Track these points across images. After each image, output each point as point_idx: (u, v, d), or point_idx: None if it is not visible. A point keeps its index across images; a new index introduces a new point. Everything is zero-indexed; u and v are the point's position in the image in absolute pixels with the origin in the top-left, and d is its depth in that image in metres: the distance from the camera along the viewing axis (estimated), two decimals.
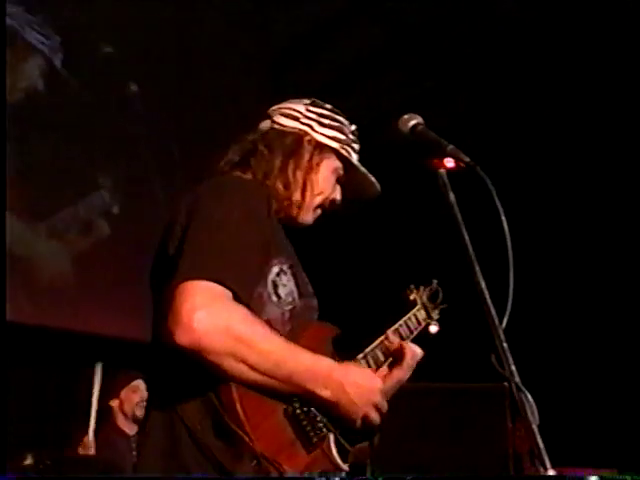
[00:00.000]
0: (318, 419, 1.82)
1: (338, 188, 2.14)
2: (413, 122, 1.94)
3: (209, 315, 1.65)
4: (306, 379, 1.75)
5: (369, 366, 2.04)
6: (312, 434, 1.81)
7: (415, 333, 2.26)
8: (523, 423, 1.54)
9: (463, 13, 5.60)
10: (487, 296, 1.73)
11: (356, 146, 2.16)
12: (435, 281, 2.45)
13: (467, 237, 1.75)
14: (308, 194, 2.05)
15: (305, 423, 1.80)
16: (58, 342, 5.31)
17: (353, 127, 2.17)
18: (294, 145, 2.06)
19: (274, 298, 1.88)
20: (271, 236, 1.88)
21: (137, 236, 5.62)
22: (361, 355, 2.04)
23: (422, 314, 2.34)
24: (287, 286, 1.91)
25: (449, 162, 1.84)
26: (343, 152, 2.12)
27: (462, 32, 5.73)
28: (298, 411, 1.79)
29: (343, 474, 1.87)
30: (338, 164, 2.12)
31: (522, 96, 5.94)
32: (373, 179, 2.16)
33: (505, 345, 1.62)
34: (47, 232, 5.51)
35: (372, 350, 2.06)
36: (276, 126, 2.09)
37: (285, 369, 1.72)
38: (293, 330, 1.88)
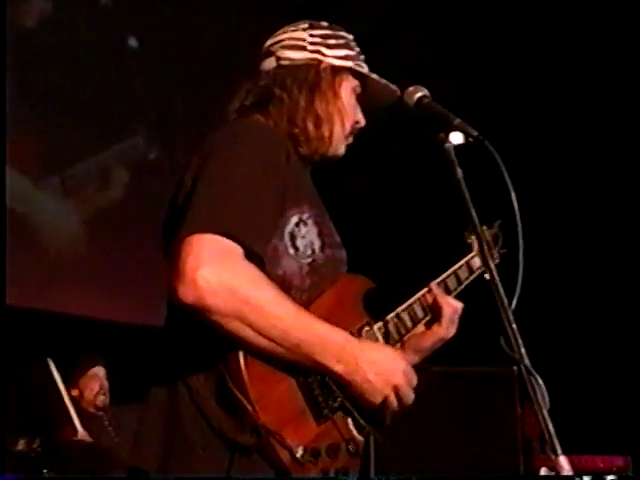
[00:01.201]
0: (333, 389, 1.72)
1: (359, 109, 2.01)
2: (419, 94, 1.89)
3: (215, 272, 1.56)
4: (316, 350, 1.66)
5: (404, 324, 1.93)
6: (324, 405, 1.72)
7: (465, 283, 2.14)
8: (533, 408, 1.49)
9: None
10: (496, 276, 1.67)
11: (362, 56, 2.04)
12: (499, 221, 2.29)
13: (475, 214, 1.69)
14: (339, 125, 1.94)
15: (317, 393, 1.71)
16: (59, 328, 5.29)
17: (352, 36, 2.04)
18: (312, 77, 1.92)
19: (291, 251, 1.77)
20: (289, 184, 1.77)
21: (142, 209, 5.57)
22: (392, 314, 1.93)
23: (477, 262, 2.18)
24: (306, 238, 1.80)
25: (457, 136, 1.78)
26: (359, 69, 1.99)
27: (468, 3, 5.68)
28: (311, 379, 1.71)
29: (355, 447, 1.75)
30: (355, 82, 1.99)
31: (532, 67, 5.88)
32: (394, 86, 2.03)
33: (514, 327, 1.57)
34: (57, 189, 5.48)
35: (409, 306, 1.96)
36: (283, 62, 1.95)
37: (293, 337, 1.63)
38: (314, 285, 1.79)
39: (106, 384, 4.76)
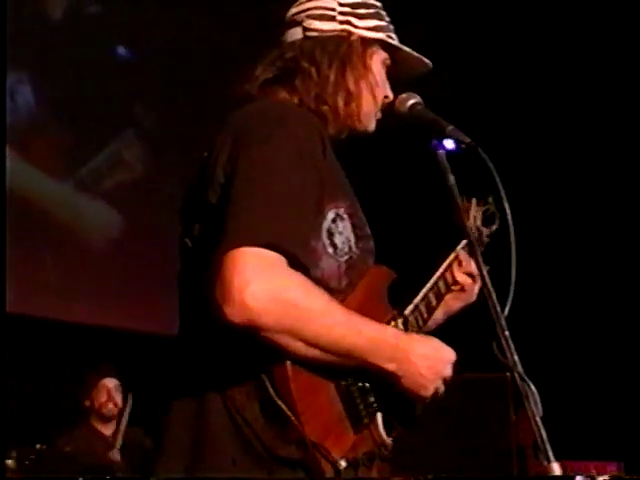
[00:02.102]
0: (371, 396, 1.68)
1: (388, 83, 1.92)
2: (411, 101, 1.88)
3: (263, 289, 1.49)
4: (369, 353, 1.61)
5: (421, 315, 1.89)
6: (364, 413, 1.67)
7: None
8: (526, 414, 1.48)
9: None
10: (489, 282, 1.67)
11: (392, 26, 1.94)
12: (491, 197, 2.17)
13: (467, 220, 1.69)
14: (368, 100, 1.85)
15: (359, 401, 1.66)
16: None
17: (380, 4, 1.95)
18: (343, 50, 1.81)
19: (330, 249, 1.69)
20: (327, 179, 1.68)
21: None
22: (411, 307, 1.86)
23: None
24: (343, 234, 1.72)
25: (449, 143, 1.78)
26: (390, 41, 1.89)
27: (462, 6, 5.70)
28: (353, 387, 1.66)
29: (386, 451, 1.71)
30: (385, 55, 1.90)
31: (526, 73, 5.89)
32: (425, 60, 1.95)
33: (507, 333, 1.56)
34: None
35: (425, 295, 1.92)
36: (311, 33, 1.83)
37: (345, 344, 1.58)
38: (350, 283, 1.72)
39: (116, 396, 4.82)
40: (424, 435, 3.81)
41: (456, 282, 2.04)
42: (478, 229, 2.18)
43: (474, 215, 2.18)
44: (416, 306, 1.88)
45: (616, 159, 5.84)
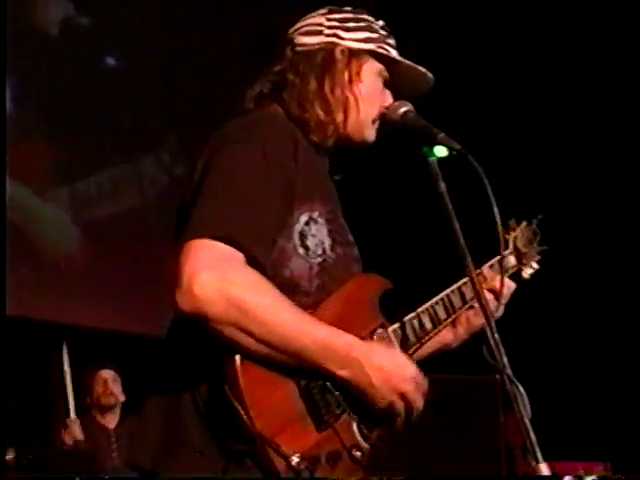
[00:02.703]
0: (333, 395, 1.68)
1: (388, 93, 1.96)
2: (403, 109, 1.90)
3: (212, 280, 1.52)
4: (319, 356, 1.62)
5: (422, 326, 1.89)
6: (324, 411, 1.67)
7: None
8: (515, 416, 1.51)
9: None
10: (479, 286, 1.70)
11: (391, 41, 1.97)
12: (539, 216, 2.22)
13: (458, 227, 1.71)
14: (354, 110, 1.88)
15: (318, 398, 1.67)
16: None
17: (381, 22, 1.99)
18: (326, 61, 1.87)
19: (301, 250, 1.72)
20: (299, 181, 1.71)
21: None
22: (412, 315, 1.89)
23: (511, 261, 2.16)
24: (316, 236, 1.74)
25: (440, 150, 1.80)
26: (381, 51, 1.92)
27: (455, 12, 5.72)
28: (312, 384, 1.66)
29: (359, 454, 1.70)
30: (380, 66, 1.93)
31: (516, 79, 5.90)
32: (422, 69, 1.98)
33: (497, 336, 1.59)
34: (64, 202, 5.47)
35: (431, 306, 1.93)
36: (299, 48, 1.90)
37: (296, 343, 1.59)
38: (323, 286, 1.74)
39: (114, 387, 4.87)
40: (413, 435, 3.84)
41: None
42: (519, 250, 2.21)
43: (516, 235, 2.21)
44: (417, 315, 1.90)
45: (607, 163, 5.87)
